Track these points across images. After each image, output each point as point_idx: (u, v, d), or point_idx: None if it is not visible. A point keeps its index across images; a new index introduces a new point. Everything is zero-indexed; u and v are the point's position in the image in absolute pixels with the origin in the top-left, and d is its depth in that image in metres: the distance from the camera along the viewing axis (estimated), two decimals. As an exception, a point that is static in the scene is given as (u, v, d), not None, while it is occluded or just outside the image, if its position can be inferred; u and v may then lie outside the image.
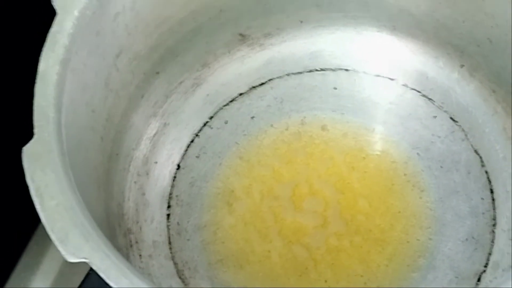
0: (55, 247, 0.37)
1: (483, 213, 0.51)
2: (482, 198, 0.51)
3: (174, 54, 0.54)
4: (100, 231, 0.38)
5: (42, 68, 0.42)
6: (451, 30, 0.53)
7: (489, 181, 0.52)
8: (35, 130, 0.40)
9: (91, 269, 0.37)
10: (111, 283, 0.36)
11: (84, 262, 0.37)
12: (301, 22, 0.57)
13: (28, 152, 0.39)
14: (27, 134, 0.40)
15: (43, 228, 0.38)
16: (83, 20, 0.44)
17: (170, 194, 0.54)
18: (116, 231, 0.49)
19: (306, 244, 0.51)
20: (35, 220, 0.38)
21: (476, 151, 0.53)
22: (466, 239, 0.50)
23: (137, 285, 0.36)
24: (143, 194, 0.53)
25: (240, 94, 0.57)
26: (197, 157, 0.55)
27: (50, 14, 0.43)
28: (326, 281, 0.50)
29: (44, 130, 0.40)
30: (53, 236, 0.37)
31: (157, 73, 0.53)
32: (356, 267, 0.50)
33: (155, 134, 0.55)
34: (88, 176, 0.44)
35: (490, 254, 0.50)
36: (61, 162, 0.39)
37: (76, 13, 0.43)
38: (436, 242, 0.50)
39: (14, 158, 0.40)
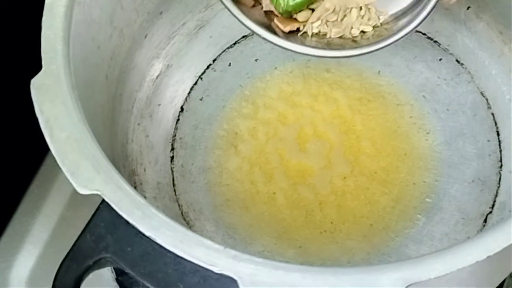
0: (63, 178, 0.37)
1: (489, 155, 0.51)
2: (488, 140, 0.51)
3: None
4: (111, 165, 0.38)
5: (49, 0, 0.41)
6: None
7: (495, 123, 0.52)
8: (44, 62, 0.39)
9: (102, 201, 0.37)
10: (124, 215, 0.35)
11: (95, 195, 0.36)
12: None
13: (37, 84, 0.39)
14: (36, 67, 0.39)
15: (52, 159, 0.37)
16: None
17: (174, 136, 0.53)
18: (121, 172, 0.48)
19: (311, 185, 0.51)
20: (44, 150, 0.37)
21: (482, 93, 0.53)
22: (473, 181, 0.50)
23: (150, 216, 0.35)
24: (147, 136, 0.52)
25: (244, 37, 0.56)
26: (201, 99, 0.54)
27: None
28: (332, 222, 0.50)
29: (52, 62, 0.39)
30: (64, 169, 0.37)
31: (161, 13, 0.53)
32: (362, 209, 0.50)
33: (158, 76, 0.54)
34: (94, 114, 0.44)
35: (496, 195, 0.49)
36: (70, 94, 0.39)
37: None
38: (443, 184, 0.50)
39: (23, 91, 0.39)
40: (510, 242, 0.33)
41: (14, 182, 0.54)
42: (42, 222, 0.54)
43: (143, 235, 0.35)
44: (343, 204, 0.50)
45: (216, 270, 0.34)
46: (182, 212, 0.51)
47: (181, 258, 0.35)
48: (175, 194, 0.51)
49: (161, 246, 0.35)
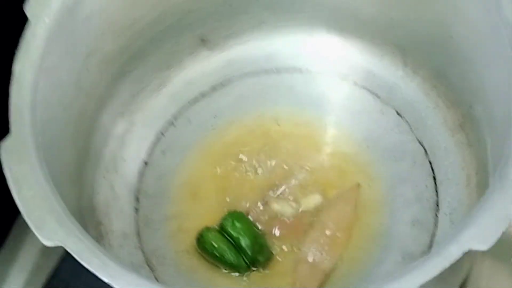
0: (33, 235, 0.41)
1: (427, 199, 0.54)
2: (426, 185, 0.55)
3: (141, 55, 0.57)
4: (73, 218, 0.42)
5: (17, 70, 0.46)
6: (394, 31, 0.57)
7: (432, 170, 0.55)
8: (11, 128, 0.44)
9: (66, 252, 0.41)
10: (83, 263, 0.39)
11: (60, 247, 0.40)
12: (258, 25, 0.60)
13: (6, 147, 0.43)
14: (4, 130, 0.43)
15: (22, 218, 0.41)
16: (53, 25, 0.48)
17: (138, 188, 0.57)
18: (88, 222, 0.52)
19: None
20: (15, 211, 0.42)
21: (420, 142, 0.57)
22: (413, 223, 0.54)
23: (107, 264, 0.39)
24: (112, 188, 0.56)
25: (203, 94, 0.61)
26: (163, 153, 0.58)
27: (22, 20, 0.47)
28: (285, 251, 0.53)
29: (20, 127, 0.44)
30: (30, 223, 0.41)
31: (125, 74, 0.57)
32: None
33: (122, 132, 0.58)
34: (61, 171, 0.48)
35: (433, 236, 0.53)
36: (36, 156, 0.43)
37: (46, 19, 0.48)
38: (386, 227, 0.54)
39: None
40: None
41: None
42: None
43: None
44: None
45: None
46: (146, 259, 0.54)
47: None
48: (139, 242, 0.55)
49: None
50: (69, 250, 0.40)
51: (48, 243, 0.40)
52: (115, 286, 0.39)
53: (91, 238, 0.41)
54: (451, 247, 0.39)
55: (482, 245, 0.38)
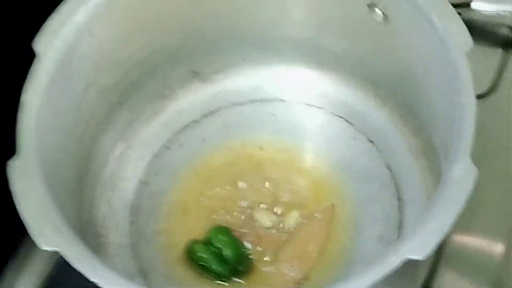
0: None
1: (392, 218, 0.59)
2: (392, 205, 0.60)
3: (136, 87, 0.63)
4: (70, 228, 0.48)
5: (24, 99, 0.52)
6: (365, 67, 0.63)
7: (398, 191, 0.60)
8: (18, 148, 0.50)
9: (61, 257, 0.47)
10: (76, 266, 0.45)
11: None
12: (244, 60, 0.66)
13: (12, 166, 0.49)
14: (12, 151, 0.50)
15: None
16: (57, 61, 0.54)
17: (133, 205, 0.62)
18: (87, 234, 0.58)
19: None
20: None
21: (387, 166, 0.62)
22: (379, 239, 0.59)
23: (97, 267, 0.45)
24: (110, 204, 0.62)
25: (193, 121, 0.66)
26: (156, 174, 0.64)
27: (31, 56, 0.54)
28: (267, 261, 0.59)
29: (25, 148, 0.50)
30: (31, 231, 0.46)
31: (121, 103, 0.63)
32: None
33: (120, 155, 0.64)
34: (62, 188, 0.53)
35: (396, 251, 0.58)
36: (39, 174, 0.49)
37: (52, 55, 0.54)
38: (356, 242, 0.59)
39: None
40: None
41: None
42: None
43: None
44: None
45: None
46: (139, 268, 0.59)
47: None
48: (134, 253, 0.60)
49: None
50: (62, 255, 0.45)
51: (46, 247, 0.46)
52: (104, 287, 0.44)
53: (84, 245, 0.47)
54: (391, 257, 0.44)
55: (419, 255, 0.44)
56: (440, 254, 0.59)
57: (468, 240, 0.60)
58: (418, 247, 0.44)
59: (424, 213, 0.46)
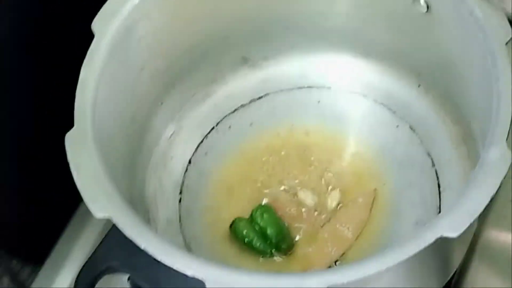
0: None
1: (430, 203, 0.61)
2: (431, 191, 0.61)
3: (188, 71, 0.65)
4: (122, 197, 0.50)
5: (82, 76, 0.54)
6: (408, 57, 0.64)
7: (437, 178, 0.62)
8: (75, 121, 0.52)
9: (113, 225, 0.49)
10: (126, 233, 0.47)
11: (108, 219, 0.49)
12: (292, 48, 0.68)
13: (70, 138, 0.52)
14: (70, 123, 0.52)
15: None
16: (114, 42, 0.56)
17: (182, 183, 0.65)
18: (137, 209, 0.60)
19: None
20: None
21: (428, 153, 0.63)
22: (416, 224, 0.60)
23: (145, 234, 0.47)
24: (160, 182, 0.64)
25: (242, 105, 0.68)
26: (205, 154, 0.66)
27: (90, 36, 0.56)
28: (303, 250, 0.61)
29: (81, 122, 0.52)
30: (85, 199, 0.49)
31: (174, 86, 0.65)
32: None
33: (171, 135, 0.66)
34: (115, 162, 0.56)
35: (433, 235, 0.60)
36: (94, 147, 0.52)
37: (109, 36, 0.56)
38: (393, 225, 0.61)
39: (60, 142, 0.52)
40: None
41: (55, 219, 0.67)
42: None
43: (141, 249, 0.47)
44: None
45: (189, 273, 0.46)
46: (185, 243, 0.62)
47: (167, 266, 0.46)
48: (181, 229, 0.62)
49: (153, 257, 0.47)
50: (114, 222, 0.48)
51: (99, 215, 0.48)
52: (151, 251, 0.46)
53: (135, 213, 0.49)
54: (427, 233, 0.46)
55: (453, 233, 0.45)
56: (472, 251, 0.60)
57: (502, 236, 0.61)
58: (452, 226, 0.45)
59: (459, 194, 0.47)
